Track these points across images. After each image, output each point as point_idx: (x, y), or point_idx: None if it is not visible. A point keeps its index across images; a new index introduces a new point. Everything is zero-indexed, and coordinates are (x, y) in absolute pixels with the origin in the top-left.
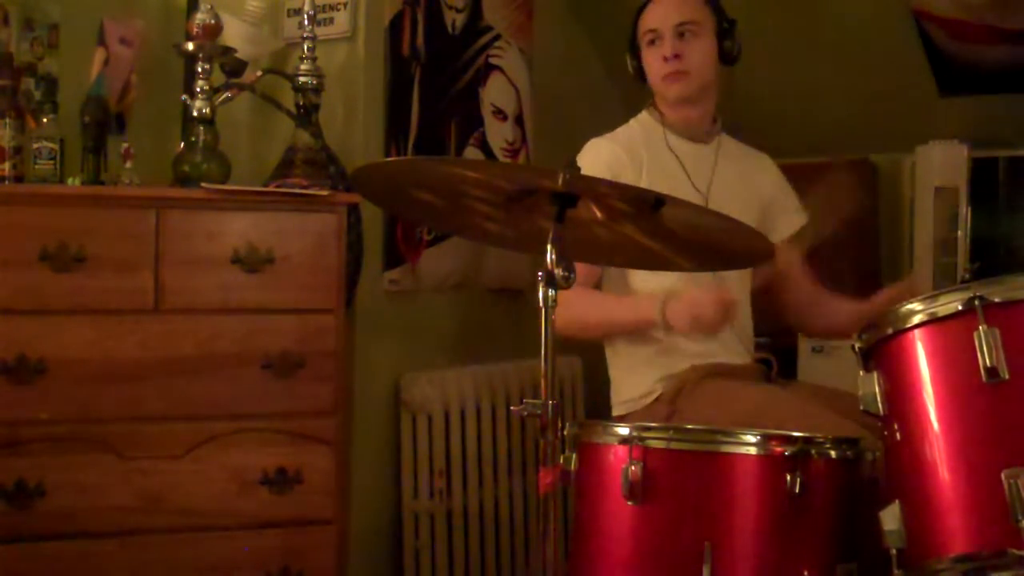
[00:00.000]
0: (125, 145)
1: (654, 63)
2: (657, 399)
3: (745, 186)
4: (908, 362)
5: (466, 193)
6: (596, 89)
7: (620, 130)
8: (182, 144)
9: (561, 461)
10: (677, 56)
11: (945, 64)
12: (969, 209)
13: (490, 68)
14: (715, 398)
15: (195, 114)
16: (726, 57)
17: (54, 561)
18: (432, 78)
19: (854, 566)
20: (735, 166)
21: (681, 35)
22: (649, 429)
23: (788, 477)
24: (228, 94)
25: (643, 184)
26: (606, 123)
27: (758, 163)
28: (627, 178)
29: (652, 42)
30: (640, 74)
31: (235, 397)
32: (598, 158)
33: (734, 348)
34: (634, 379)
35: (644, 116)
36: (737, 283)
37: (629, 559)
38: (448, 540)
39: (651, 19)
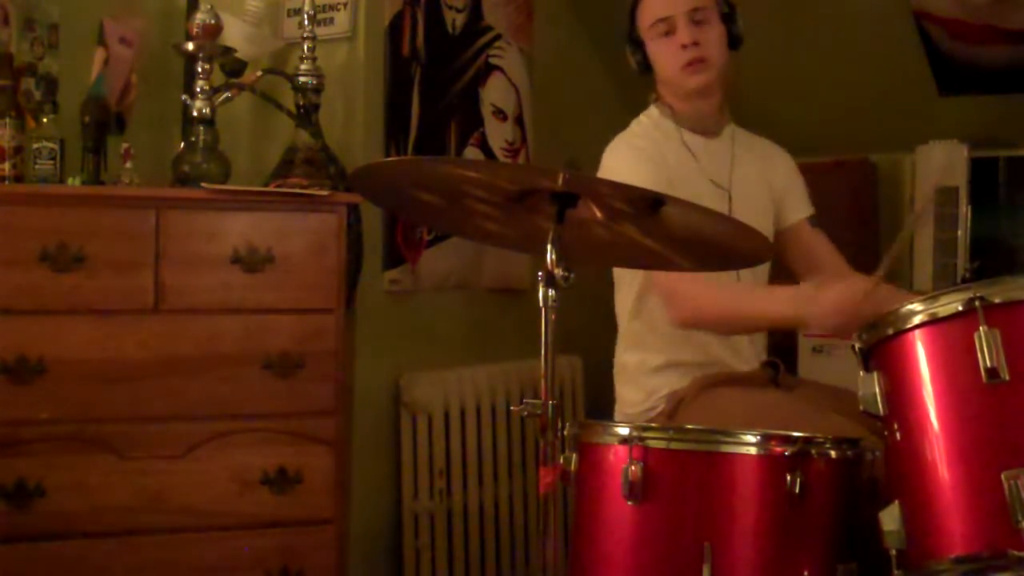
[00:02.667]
0: (125, 145)
1: (669, 53)
2: (659, 414)
3: (763, 177)
4: (908, 362)
5: (466, 193)
6: (596, 89)
7: (637, 129)
8: (182, 144)
9: (561, 461)
10: (696, 43)
11: (945, 64)
12: (969, 209)
13: (490, 68)
14: (714, 408)
15: (195, 114)
16: (734, 42)
17: (54, 561)
18: (432, 78)
19: (854, 566)
20: (751, 157)
21: (696, 22)
22: (649, 429)
23: (788, 477)
24: (228, 94)
25: (665, 185)
26: (606, 123)
27: (771, 151)
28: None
29: (666, 33)
30: (644, 68)
31: (235, 397)
32: (637, 167)
33: (744, 353)
34: (637, 393)
35: (653, 112)
36: (752, 279)
37: (629, 559)
38: (448, 540)
39: (659, 7)
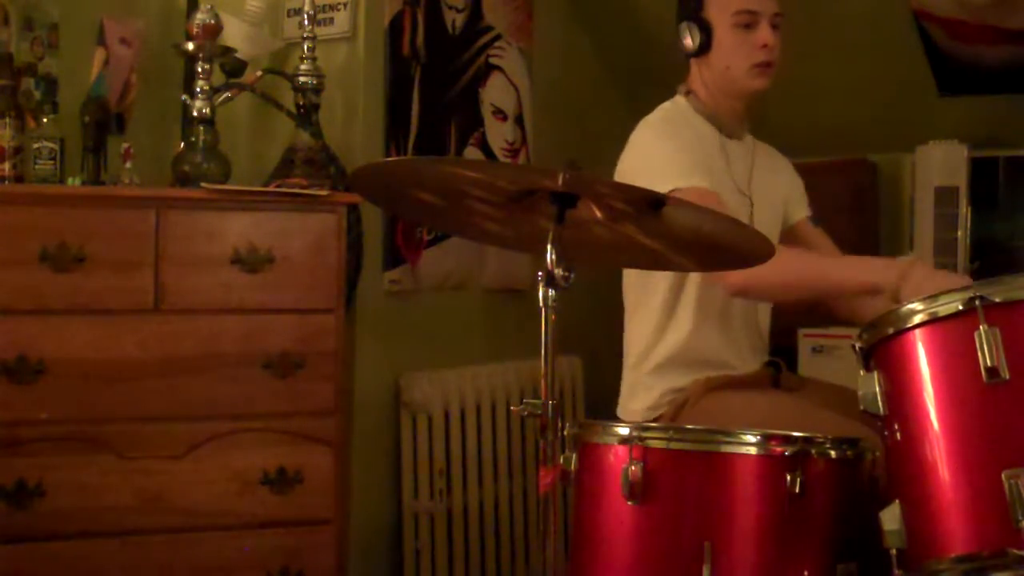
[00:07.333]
0: (125, 145)
1: (745, 48)
2: (660, 417)
3: (775, 182)
4: (908, 362)
5: (466, 193)
6: (596, 89)
7: (669, 112)
8: (182, 144)
9: (561, 461)
10: (774, 47)
11: (945, 64)
12: (969, 209)
13: (490, 68)
14: (716, 412)
15: (195, 114)
16: None
17: (54, 561)
18: (432, 78)
19: (854, 566)
20: (766, 163)
21: (774, 26)
22: (649, 429)
23: (788, 477)
24: (228, 94)
25: (704, 160)
26: (606, 123)
27: (776, 155)
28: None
29: (748, 25)
30: (702, 50)
31: (235, 397)
32: (674, 140)
33: (749, 352)
34: (641, 392)
35: (681, 103)
36: None
37: (629, 559)
38: (448, 540)
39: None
